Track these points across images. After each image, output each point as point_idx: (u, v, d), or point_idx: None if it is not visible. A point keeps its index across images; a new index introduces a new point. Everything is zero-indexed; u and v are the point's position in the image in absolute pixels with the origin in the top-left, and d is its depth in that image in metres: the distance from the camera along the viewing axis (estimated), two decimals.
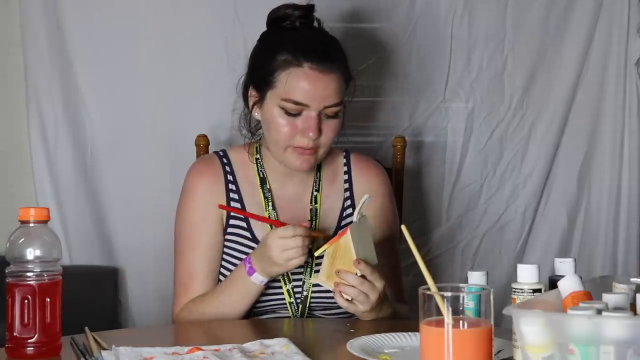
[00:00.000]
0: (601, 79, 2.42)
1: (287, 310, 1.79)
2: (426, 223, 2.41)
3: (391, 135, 2.26)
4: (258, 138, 1.88)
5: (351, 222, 1.73)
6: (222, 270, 1.82)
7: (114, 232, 2.33)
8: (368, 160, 1.95)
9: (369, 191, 1.82)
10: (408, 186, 2.24)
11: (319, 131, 1.73)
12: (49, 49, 2.27)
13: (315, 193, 1.86)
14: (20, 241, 1.38)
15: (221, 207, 1.79)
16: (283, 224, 1.69)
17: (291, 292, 1.78)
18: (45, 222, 1.40)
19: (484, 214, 2.44)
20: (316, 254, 1.68)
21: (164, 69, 2.31)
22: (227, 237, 1.82)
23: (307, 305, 1.78)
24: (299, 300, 1.79)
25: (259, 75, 1.78)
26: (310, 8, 1.81)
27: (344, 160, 1.91)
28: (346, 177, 1.89)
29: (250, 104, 1.81)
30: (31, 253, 1.37)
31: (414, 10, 2.37)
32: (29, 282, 1.36)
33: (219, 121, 2.24)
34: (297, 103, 1.72)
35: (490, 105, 2.41)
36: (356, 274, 1.61)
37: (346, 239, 1.62)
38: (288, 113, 1.73)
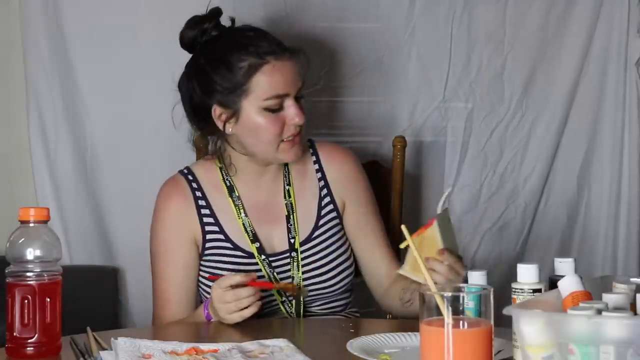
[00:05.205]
0: (601, 79, 2.41)
1: (282, 310, 1.79)
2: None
3: (391, 135, 2.25)
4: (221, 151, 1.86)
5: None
6: (209, 283, 1.80)
7: (114, 232, 2.33)
8: (335, 147, 1.95)
9: (345, 177, 1.87)
10: (408, 186, 2.24)
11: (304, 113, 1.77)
12: (49, 49, 2.27)
13: (287, 187, 1.86)
14: (20, 241, 1.38)
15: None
16: (270, 285, 1.71)
17: (282, 291, 1.78)
18: (45, 222, 1.40)
19: (484, 214, 2.43)
20: (401, 246, 1.68)
21: (164, 69, 2.29)
22: (208, 251, 1.81)
23: (301, 302, 1.78)
24: (291, 298, 1.78)
25: (226, 91, 1.76)
26: (217, 12, 1.85)
27: (310, 151, 1.91)
28: (317, 166, 1.89)
29: (220, 123, 1.80)
30: (31, 253, 1.37)
31: (414, 9, 2.36)
32: (29, 282, 1.37)
33: None
34: (278, 96, 1.75)
35: (489, 105, 2.41)
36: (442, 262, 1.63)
37: (432, 230, 1.64)
38: (272, 111, 1.75)
